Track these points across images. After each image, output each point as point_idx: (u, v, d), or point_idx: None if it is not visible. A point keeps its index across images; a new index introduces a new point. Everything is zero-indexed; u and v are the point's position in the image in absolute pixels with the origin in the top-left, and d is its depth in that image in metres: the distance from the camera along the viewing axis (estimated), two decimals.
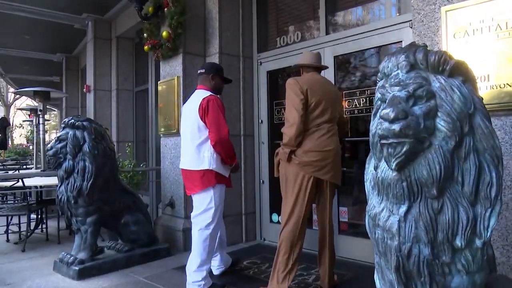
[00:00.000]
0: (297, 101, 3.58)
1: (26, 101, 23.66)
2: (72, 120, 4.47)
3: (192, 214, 3.89)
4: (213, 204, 3.77)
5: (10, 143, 24.97)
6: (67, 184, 4.41)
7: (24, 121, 24.24)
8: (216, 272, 4.30)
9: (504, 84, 2.83)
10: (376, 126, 1.69)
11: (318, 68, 3.90)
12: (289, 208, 3.62)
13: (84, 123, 4.45)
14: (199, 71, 4.14)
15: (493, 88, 2.88)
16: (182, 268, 4.56)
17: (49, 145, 4.52)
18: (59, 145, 4.41)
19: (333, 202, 3.86)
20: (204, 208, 3.79)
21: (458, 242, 1.61)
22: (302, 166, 3.61)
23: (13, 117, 34.09)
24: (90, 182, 4.35)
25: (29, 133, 27.12)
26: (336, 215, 4.77)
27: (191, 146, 3.83)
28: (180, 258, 5.00)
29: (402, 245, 1.68)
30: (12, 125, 30.88)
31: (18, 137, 35.86)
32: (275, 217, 5.68)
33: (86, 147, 4.38)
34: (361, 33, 4.61)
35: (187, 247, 5.31)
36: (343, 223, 4.96)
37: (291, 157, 3.62)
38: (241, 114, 5.78)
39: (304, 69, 3.89)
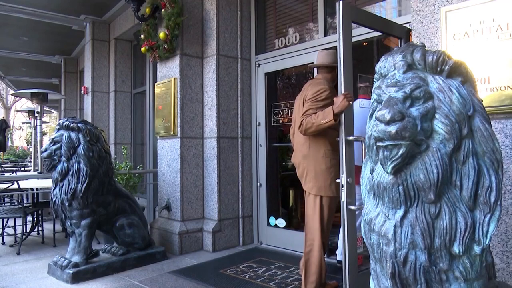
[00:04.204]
0: None
1: (26, 103, 23.67)
2: (67, 122, 4.42)
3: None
4: None
5: (9, 145, 25.02)
6: (61, 187, 4.36)
7: (23, 123, 24.26)
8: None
9: (505, 87, 2.78)
10: (372, 128, 1.64)
11: (327, 67, 3.78)
12: None
13: (79, 124, 4.40)
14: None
15: (493, 91, 2.83)
16: (178, 272, 4.53)
17: (43, 147, 4.48)
18: (54, 147, 4.36)
19: (316, 215, 3.59)
20: None
21: (456, 248, 1.55)
22: None
23: (13, 119, 34.12)
24: (85, 184, 4.30)
25: (28, 135, 27.18)
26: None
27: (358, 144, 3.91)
28: (176, 261, 4.95)
29: (398, 251, 1.62)
30: (12, 127, 30.95)
31: (18, 139, 35.91)
32: (272, 220, 5.62)
33: (80, 149, 4.33)
34: (361, 34, 4.55)
35: (184, 251, 5.29)
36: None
37: None
38: (239, 116, 5.73)
39: None
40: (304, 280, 3.61)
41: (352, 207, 3.13)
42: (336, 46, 3.26)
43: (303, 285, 3.63)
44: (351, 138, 3.19)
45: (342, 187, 3.14)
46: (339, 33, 3.19)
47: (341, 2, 3.17)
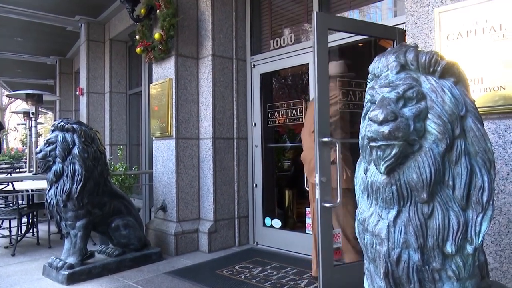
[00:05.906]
0: None
1: (21, 105, 23.58)
2: (62, 123, 4.41)
3: None
4: None
5: (5, 146, 24.93)
6: (57, 188, 4.35)
7: (18, 124, 24.17)
8: None
9: (498, 87, 2.79)
10: (365, 128, 1.65)
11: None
12: None
13: (74, 125, 4.39)
14: None
15: (487, 91, 2.84)
16: (174, 273, 4.53)
17: (38, 148, 4.47)
18: (48, 148, 4.35)
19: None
20: None
21: (449, 248, 1.56)
22: None
23: (8, 120, 33.98)
24: (80, 185, 4.29)
25: (23, 137, 27.09)
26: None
27: None
28: (172, 262, 4.95)
29: (391, 250, 1.63)
30: (7, 128, 30.83)
31: (13, 140, 35.78)
32: (268, 221, 5.63)
33: (75, 150, 4.32)
34: (355, 35, 4.56)
35: (179, 251, 5.28)
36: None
37: None
38: (234, 117, 5.74)
39: None
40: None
41: (327, 205, 3.29)
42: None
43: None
44: (325, 140, 3.34)
45: (317, 185, 3.31)
46: (314, 42, 3.32)
47: (315, 12, 3.26)
